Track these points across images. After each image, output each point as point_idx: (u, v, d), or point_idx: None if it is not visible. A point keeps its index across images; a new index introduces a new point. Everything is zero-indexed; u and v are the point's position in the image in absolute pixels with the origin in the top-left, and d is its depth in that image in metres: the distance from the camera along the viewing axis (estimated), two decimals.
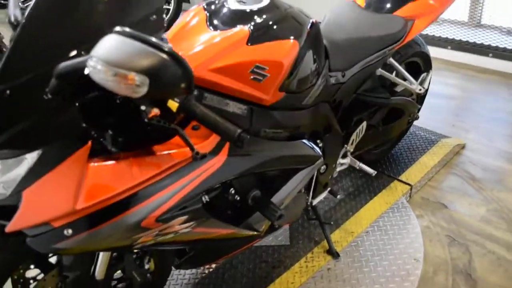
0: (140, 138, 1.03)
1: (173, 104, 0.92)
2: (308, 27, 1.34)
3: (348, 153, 1.85)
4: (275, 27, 1.23)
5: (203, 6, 1.32)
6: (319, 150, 1.48)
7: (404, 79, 1.95)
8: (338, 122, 1.68)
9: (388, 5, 1.85)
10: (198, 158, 0.91)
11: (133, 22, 0.89)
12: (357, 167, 1.88)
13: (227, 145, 1.15)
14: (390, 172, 2.32)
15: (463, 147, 2.62)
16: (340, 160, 1.82)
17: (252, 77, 1.17)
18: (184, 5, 6.20)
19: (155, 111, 0.94)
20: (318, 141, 1.56)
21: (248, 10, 1.24)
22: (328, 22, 1.79)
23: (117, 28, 0.72)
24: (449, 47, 3.88)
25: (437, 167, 2.40)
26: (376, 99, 1.84)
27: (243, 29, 1.19)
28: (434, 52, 3.95)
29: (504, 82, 3.46)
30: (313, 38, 1.36)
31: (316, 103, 1.47)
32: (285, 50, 1.20)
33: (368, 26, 1.75)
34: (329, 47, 1.55)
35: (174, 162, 1.03)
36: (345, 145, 1.80)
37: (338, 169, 1.84)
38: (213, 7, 1.29)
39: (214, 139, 1.11)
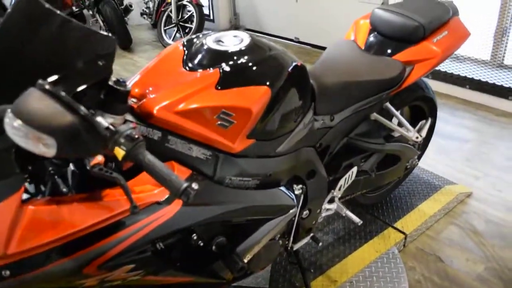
0: (88, 182, 0.99)
1: (119, 152, 0.88)
2: (290, 70, 1.29)
3: (336, 199, 1.77)
4: (248, 71, 1.18)
5: (182, 43, 1.29)
6: (294, 199, 1.41)
7: (401, 125, 1.87)
8: (325, 166, 1.61)
9: (388, 49, 1.78)
10: (135, 213, 0.87)
11: (81, 65, 0.86)
12: (343, 214, 1.80)
13: None
14: (385, 218, 2.22)
15: (468, 195, 2.49)
16: (326, 205, 1.74)
17: (218, 123, 1.12)
18: (210, 24, 6.28)
19: (99, 158, 0.90)
20: (300, 186, 1.50)
21: (223, 51, 1.20)
22: (323, 61, 1.73)
23: (40, 82, 0.69)
24: (467, 86, 3.76)
25: (437, 215, 2.28)
26: (369, 144, 1.76)
27: (214, 72, 1.15)
28: (452, 90, 3.85)
29: None
30: (295, 82, 1.30)
31: (297, 148, 1.41)
32: (255, 96, 1.15)
33: (364, 68, 1.68)
34: (318, 89, 1.48)
35: (122, 209, 0.99)
36: (332, 190, 1.72)
37: (324, 214, 1.76)
38: (191, 45, 1.26)
39: None
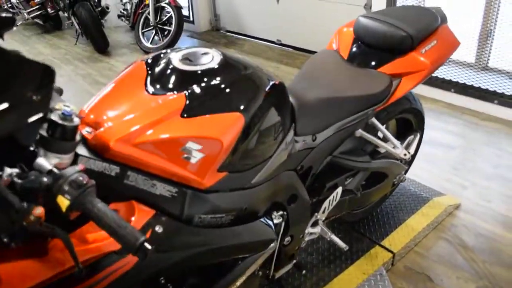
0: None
1: (62, 201, 0.74)
2: (267, 90, 1.16)
3: (320, 222, 1.65)
4: (218, 95, 1.05)
5: (146, 61, 1.15)
6: (274, 229, 1.28)
7: (387, 140, 1.75)
8: (307, 189, 1.49)
9: (373, 60, 1.66)
10: (81, 275, 0.73)
11: (10, 101, 0.72)
12: (328, 239, 1.68)
13: None
14: (372, 235, 2.11)
15: (457, 207, 2.40)
16: (310, 229, 1.62)
17: (184, 156, 0.98)
18: (190, 26, 6.11)
19: (38, 212, 0.76)
20: (281, 212, 1.37)
21: (191, 72, 1.07)
22: (304, 75, 1.61)
23: None
24: (452, 90, 3.68)
25: (426, 230, 2.19)
26: (354, 162, 1.64)
27: (179, 97, 1.01)
28: (436, 94, 3.77)
29: (508, 132, 3.23)
30: (272, 103, 1.17)
31: (276, 175, 1.29)
32: (225, 125, 1.02)
33: (348, 83, 1.56)
34: (298, 108, 1.36)
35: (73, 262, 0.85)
36: (316, 213, 1.60)
37: (307, 238, 1.64)
38: (155, 64, 1.12)
39: None
